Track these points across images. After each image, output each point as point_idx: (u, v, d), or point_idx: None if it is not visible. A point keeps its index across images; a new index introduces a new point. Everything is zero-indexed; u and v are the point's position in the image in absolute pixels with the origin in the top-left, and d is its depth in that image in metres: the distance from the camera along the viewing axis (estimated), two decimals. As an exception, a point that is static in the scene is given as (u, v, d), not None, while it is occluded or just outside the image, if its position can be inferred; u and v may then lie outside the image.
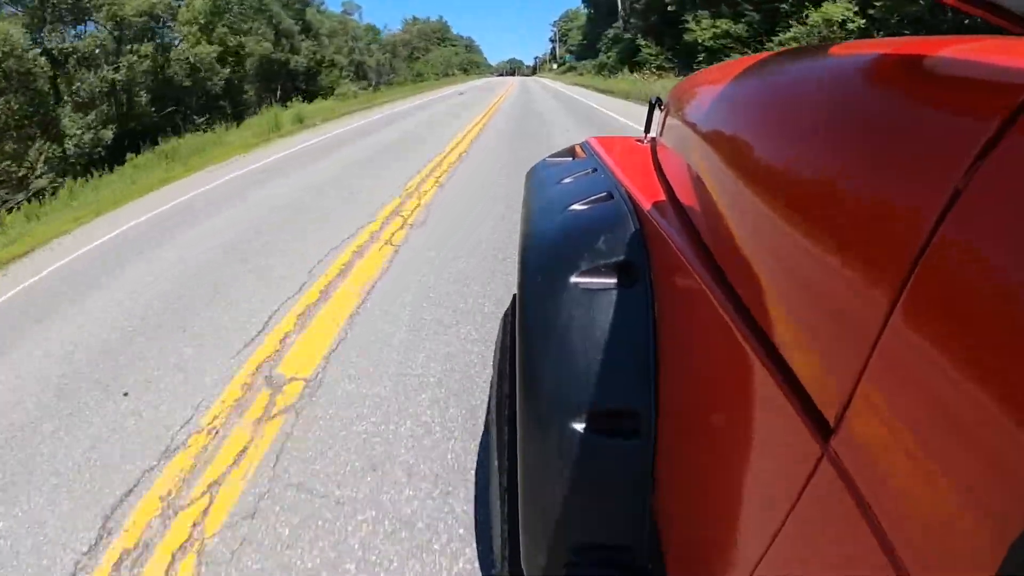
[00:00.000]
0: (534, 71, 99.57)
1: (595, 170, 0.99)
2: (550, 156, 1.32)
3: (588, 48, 42.75)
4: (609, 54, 30.28)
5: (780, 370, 0.39)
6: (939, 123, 0.32)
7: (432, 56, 68.27)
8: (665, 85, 13.80)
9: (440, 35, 79.89)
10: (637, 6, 25.52)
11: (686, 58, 18.48)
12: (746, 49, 15.30)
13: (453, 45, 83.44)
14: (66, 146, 13.50)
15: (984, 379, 0.23)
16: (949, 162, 0.28)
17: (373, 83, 37.00)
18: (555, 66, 57.90)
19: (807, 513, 0.35)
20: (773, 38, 14.65)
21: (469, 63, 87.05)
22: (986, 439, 0.23)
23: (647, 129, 1.25)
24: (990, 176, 0.26)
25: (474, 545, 1.44)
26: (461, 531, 1.51)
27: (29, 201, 8.85)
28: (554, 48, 79.42)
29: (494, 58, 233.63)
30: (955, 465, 0.24)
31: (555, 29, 77.69)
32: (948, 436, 0.25)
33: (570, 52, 41.12)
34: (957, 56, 0.38)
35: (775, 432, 0.41)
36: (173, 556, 1.57)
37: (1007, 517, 0.21)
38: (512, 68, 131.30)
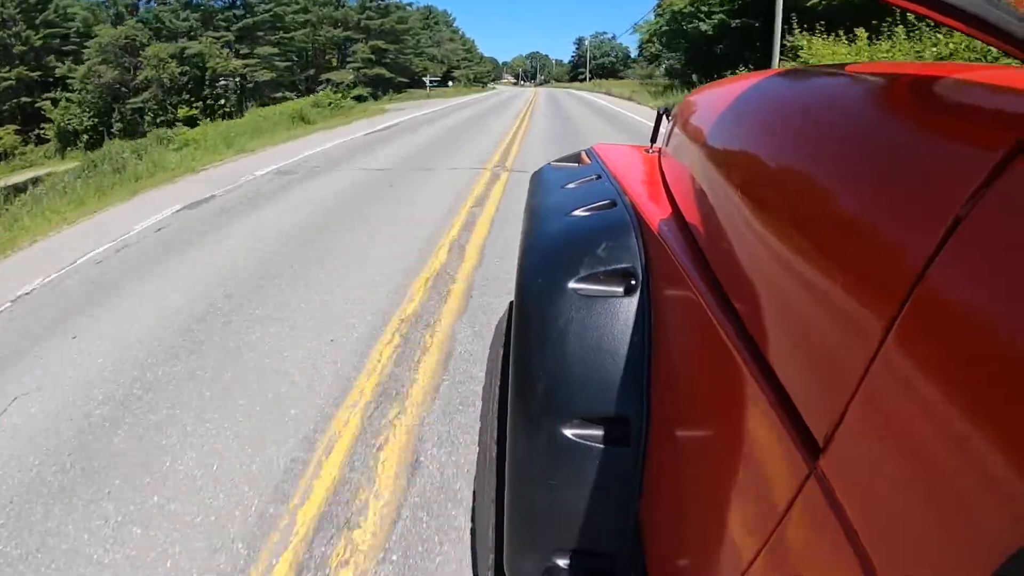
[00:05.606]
0: (575, 72, 57.45)
1: (599, 177, 0.98)
2: (556, 160, 1.31)
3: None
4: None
5: (772, 387, 0.39)
6: (943, 150, 0.31)
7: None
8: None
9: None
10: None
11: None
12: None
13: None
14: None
15: (977, 407, 0.23)
16: (951, 190, 0.27)
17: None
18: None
19: (792, 531, 0.35)
20: None
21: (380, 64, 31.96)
22: (976, 468, 0.22)
23: (653, 139, 1.25)
24: (991, 206, 0.25)
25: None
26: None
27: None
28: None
29: (505, 55, 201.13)
30: (941, 492, 0.24)
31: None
32: (936, 463, 0.25)
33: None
34: (966, 84, 0.38)
35: (764, 449, 0.40)
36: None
37: (992, 546, 0.21)
38: (533, 67, 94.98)
